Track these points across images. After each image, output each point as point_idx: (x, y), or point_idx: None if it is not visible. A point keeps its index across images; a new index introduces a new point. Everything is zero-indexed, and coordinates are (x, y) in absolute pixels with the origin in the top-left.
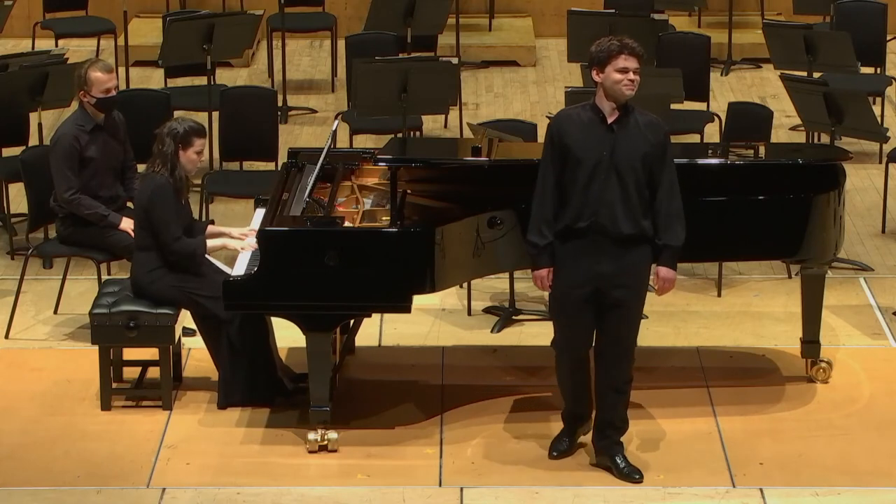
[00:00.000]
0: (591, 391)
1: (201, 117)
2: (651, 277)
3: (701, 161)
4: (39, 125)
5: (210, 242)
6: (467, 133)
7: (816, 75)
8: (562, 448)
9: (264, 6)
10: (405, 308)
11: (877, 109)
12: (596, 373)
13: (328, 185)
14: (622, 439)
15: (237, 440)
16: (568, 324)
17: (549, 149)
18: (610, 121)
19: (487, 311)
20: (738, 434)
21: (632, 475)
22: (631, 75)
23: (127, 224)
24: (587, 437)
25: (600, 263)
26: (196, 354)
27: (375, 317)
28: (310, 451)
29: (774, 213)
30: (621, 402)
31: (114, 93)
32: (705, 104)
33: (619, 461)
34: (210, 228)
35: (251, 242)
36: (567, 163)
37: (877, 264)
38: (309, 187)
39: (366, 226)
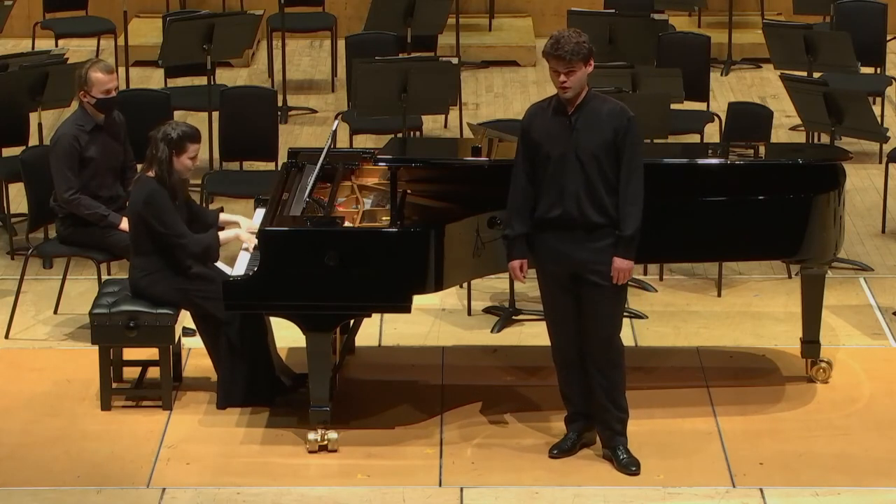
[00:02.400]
0: (588, 392)
1: (201, 117)
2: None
3: (701, 161)
4: (39, 125)
5: (223, 235)
6: (467, 133)
7: (816, 75)
8: (564, 447)
9: (264, 6)
10: (405, 308)
11: (877, 109)
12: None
13: (328, 185)
14: (623, 430)
15: (237, 440)
16: (552, 314)
17: (520, 143)
18: (570, 112)
19: (487, 311)
20: (738, 434)
21: (629, 467)
22: (562, 77)
23: (127, 224)
24: (590, 436)
25: (575, 251)
26: (196, 354)
27: (375, 317)
28: (310, 451)
29: (774, 213)
30: (610, 387)
31: (114, 93)
32: (705, 104)
33: (619, 452)
34: (222, 217)
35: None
36: (536, 156)
37: (877, 264)
38: (309, 187)
39: (366, 226)
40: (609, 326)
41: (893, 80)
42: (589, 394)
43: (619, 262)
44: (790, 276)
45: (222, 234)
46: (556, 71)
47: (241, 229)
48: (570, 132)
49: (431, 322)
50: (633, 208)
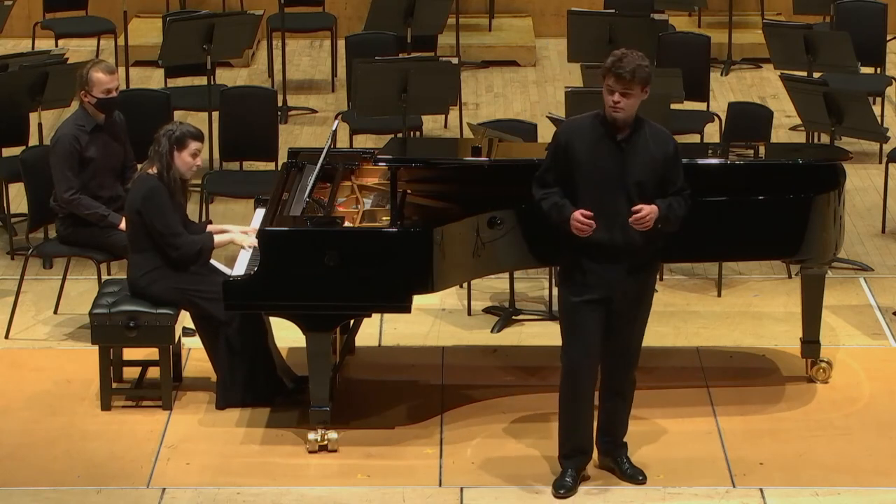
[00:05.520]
0: (593, 427)
1: (201, 117)
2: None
3: (701, 161)
4: (39, 125)
5: (217, 238)
6: (467, 133)
7: (816, 75)
8: (568, 486)
9: (264, 6)
10: (405, 308)
11: (877, 109)
12: (601, 376)
13: (328, 185)
14: (625, 440)
15: (237, 440)
16: (580, 340)
17: (552, 155)
18: (619, 137)
19: (487, 311)
20: (738, 434)
21: (635, 476)
22: (616, 97)
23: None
24: (585, 472)
25: (612, 272)
26: (196, 354)
27: (375, 317)
28: (310, 451)
29: (774, 213)
30: (625, 407)
31: (115, 94)
32: (705, 104)
33: (622, 462)
34: (210, 227)
35: (254, 241)
36: (574, 175)
37: (877, 264)
38: (309, 187)
39: (366, 226)
40: (635, 351)
41: (893, 80)
42: (591, 428)
43: (650, 210)
44: (790, 276)
45: (216, 238)
46: (611, 90)
47: (234, 234)
48: (620, 158)
49: (431, 322)
50: (682, 206)
